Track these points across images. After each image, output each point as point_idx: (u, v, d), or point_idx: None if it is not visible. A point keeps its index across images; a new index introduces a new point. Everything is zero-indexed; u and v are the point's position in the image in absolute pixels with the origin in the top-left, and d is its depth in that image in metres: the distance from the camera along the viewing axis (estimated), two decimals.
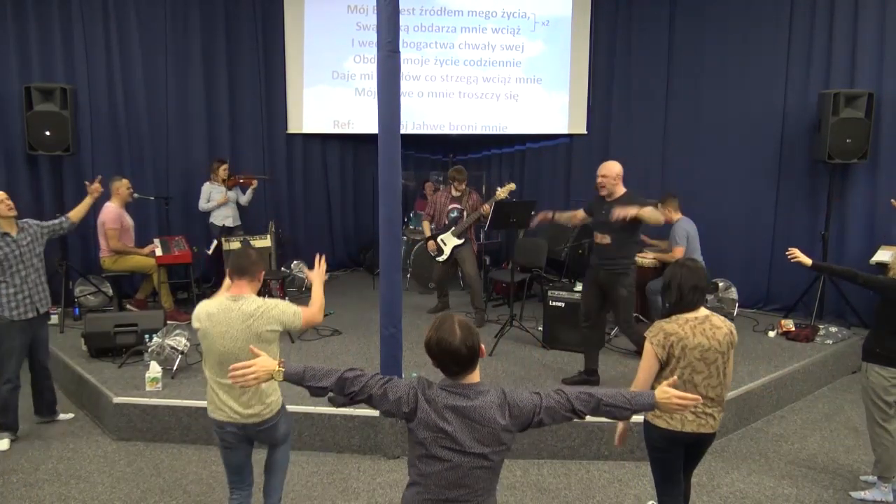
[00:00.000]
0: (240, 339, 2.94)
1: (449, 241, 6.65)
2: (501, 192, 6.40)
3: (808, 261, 4.00)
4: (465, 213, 6.66)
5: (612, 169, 4.87)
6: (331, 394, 2.29)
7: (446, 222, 6.73)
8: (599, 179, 4.87)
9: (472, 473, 2.16)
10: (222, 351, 2.99)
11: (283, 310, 3.03)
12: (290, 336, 5.84)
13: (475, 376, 2.20)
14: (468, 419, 2.14)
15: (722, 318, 3.09)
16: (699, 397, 2.32)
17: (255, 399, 3.05)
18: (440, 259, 6.75)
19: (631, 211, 4.58)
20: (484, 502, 2.22)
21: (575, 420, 2.27)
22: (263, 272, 3.17)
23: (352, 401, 2.25)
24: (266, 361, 2.32)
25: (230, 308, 2.97)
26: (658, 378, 3.04)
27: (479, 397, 2.16)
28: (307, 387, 2.29)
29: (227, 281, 3.19)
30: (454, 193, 6.76)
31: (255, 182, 7.52)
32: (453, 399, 2.16)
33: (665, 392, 2.29)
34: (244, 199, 7.48)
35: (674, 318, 3.01)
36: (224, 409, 3.06)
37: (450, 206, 6.75)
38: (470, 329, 2.17)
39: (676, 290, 3.00)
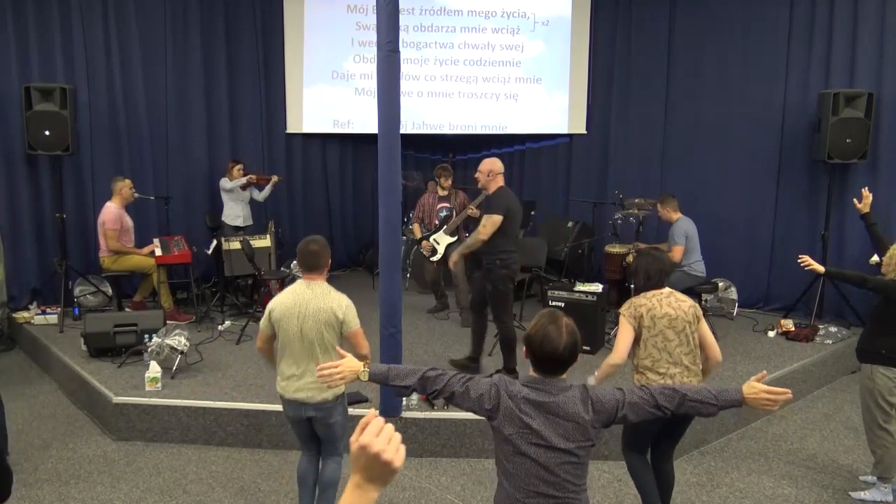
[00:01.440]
0: (310, 317, 3.25)
1: (442, 241, 6.66)
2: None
3: (820, 268, 4.05)
4: (454, 212, 6.66)
5: (484, 165, 5.09)
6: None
7: (437, 222, 6.74)
8: (476, 174, 5.12)
9: (560, 469, 2.18)
10: (297, 329, 3.26)
11: (346, 300, 3.34)
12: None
13: (563, 375, 2.24)
14: (551, 414, 2.17)
15: (684, 295, 3.43)
16: (789, 391, 2.29)
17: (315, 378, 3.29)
18: (434, 259, 6.76)
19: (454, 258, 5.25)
20: (575, 499, 2.22)
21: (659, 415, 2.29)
22: (329, 259, 3.43)
23: (434, 398, 2.36)
24: (352, 362, 2.47)
25: (304, 292, 3.31)
26: (633, 353, 3.33)
27: (562, 393, 2.19)
28: (392, 386, 2.39)
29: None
30: (441, 193, 6.79)
31: (275, 178, 7.56)
32: (535, 394, 2.19)
33: (752, 387, 2.28)
34: (260, 196, 7.50)
35: (642, 294, 3.39)
36: (289, 388, 3.33)
37: (439, 206, 6.77)
38: (575, 334, 2.21)
39: (644, 273, 3.41)
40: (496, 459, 2.30)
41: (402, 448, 1.18)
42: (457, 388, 2.27)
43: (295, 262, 8.01)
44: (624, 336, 3.32)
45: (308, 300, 3.29)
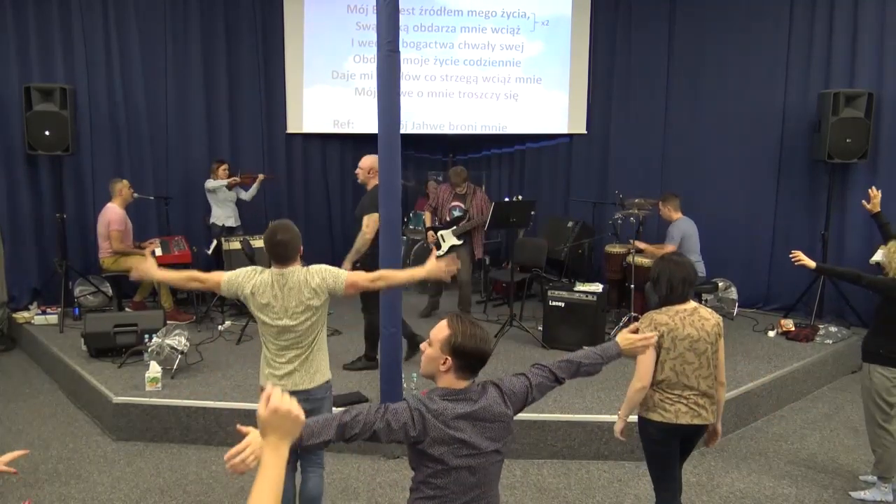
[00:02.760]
0: (294, 308, 3.04)
1: (448, 239, 6.61)
2: None
3: (811, 263, 4.01)
4: (468, 215, 6.58)
5: (365, 162, 5.17)
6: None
7: (448, 219, 6.68)
8: (356, 170, 5.24)
9: (489, 470, 2.19)
10: (282, 323, 3.07)
11: (319, 273, 3.10)
12: None
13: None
14: (479, 421, 2.13)
15: (709, 310, 3.18)
16: (655, 334, 2.68)
17: (303, 365, 3.14)
18: (438, 254, 6.67)
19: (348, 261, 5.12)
20: (495, 493, 2.25)
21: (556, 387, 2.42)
22: (301, 246, 3.16)
23: (352, 440, 2.09)
24: (258, 437, 2.11)
25: (280, 283, 3.06)
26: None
27: (482, 397, 2.16)
28: (309, 446, 2.10)
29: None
30: (457, 191, 6.70)
31: (261, 176, 7.46)
32: (461, 406, 2.12)
33: (626, 338, 2.51)
34: (247, 195, 7.46)
35: (664, 309, 3.11)
36: (275, 377, 3.13)
37: (452, 203, 6.69)
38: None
39: (666, 283, 3.10)
40: (418, 478, 2.17)
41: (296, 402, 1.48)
42: (377, 424, 2.06)
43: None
44: (645, 358, 3.05)
45: (287, 292, 3.04)
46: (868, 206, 4.44)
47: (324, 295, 3.10)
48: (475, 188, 6.77)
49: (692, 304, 3.13)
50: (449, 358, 2.11)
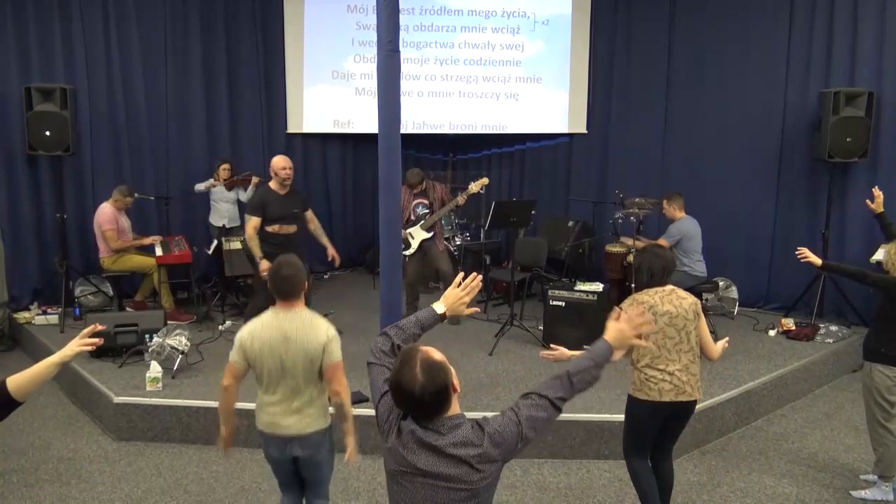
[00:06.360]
0: (295, 353, 2.96)
1: (417, 235, 6.50)
2: (474, 187, 6.35)
3: (818, 261, 4.07)
4: (434, 206, 6.49)
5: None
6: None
7: (413, 218, 6.58)
8: (288, 171, 5.74)
9: (449, 498, 1.93)
10: (279, 366, 2.98)
11: (331, 331, 3.03)
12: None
13: (452, 409, 1.94)
14: (441, 455, 1.90)
15: (686, 292, 3.46)
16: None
17: (300, 411, 3.05)
18: (407, 253, 6.57)
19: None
20: None
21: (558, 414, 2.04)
22: (306, 281, 3.08)
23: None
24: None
25: (284, 323, 2.99)
26: (632, 350, 3.30)
27: (452, 432, 1.91)
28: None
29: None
30: (415, 191, 6.58)
31: (255, 179, 7.39)
32: (426, 435, 1.92)
33: (614, 329, 2.19)
34: (245, 195, 7.44)
35: (644, 291, 3.43)
36: (272, 421, 3.07)
37: (415, 202, 6.57)
38: (435, 372, 1.87)
39: (647, 271, 3.43)
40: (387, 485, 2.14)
41: None
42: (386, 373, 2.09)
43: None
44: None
45: (290, 334, 2.95)
46: (871, 206, 4.52)
47: (320, 353, 3.00)
48: (432, 183, 6.68)
49: (670, 287, 3.41)
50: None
